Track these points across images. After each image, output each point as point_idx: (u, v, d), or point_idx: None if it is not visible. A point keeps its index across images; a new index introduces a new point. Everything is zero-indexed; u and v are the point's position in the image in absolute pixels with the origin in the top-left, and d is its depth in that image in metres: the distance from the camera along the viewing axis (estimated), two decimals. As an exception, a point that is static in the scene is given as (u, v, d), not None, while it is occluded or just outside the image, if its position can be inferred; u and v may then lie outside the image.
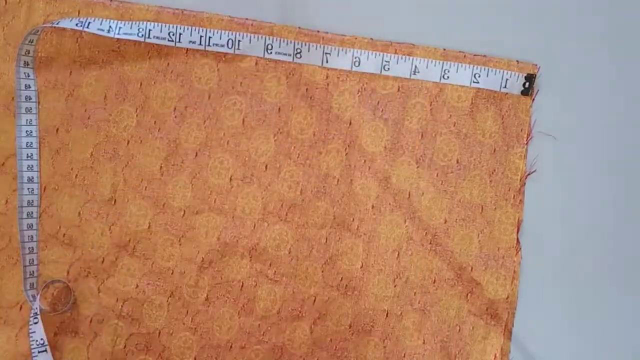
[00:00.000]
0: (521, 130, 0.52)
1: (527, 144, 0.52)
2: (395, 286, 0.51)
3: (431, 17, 0.53)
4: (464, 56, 0.52)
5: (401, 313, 0.51)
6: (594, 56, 0.53)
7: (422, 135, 0.51)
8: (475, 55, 0.52)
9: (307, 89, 0.51)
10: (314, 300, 0.51)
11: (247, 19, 0.51)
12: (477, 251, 0.51)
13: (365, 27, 0.52)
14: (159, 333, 0.51)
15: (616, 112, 0.53)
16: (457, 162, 0.51)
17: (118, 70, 0.51)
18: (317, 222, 0.51)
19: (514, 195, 0.51)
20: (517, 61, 0.52)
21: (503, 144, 0.51)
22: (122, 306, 0.51)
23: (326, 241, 0.51)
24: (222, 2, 0.52)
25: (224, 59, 0.51)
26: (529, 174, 0.52)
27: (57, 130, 0.51)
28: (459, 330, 0.51)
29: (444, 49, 0.51)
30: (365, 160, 0.51)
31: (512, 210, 0.52)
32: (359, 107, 0.51)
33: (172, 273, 0.51)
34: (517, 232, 0.52)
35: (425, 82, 0.51)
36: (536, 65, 0.52)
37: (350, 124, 0.51)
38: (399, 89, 0.51)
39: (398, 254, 0.51)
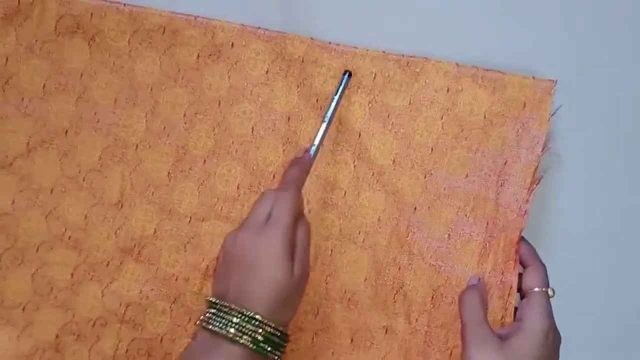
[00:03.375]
0: (536, 144, 0.50)
1: (540, 156, 0.51)
2: (394, 302, 0.51)
3: (442, 26, 0.53)
4: (477, 70, 0.51)
5: (398, 331, 0.51)
6: (608, 70, 0.53)
7: (432, 149, 0.51)
8: (488, 70, 0.51)
9: (317, 100, 0.51)
10: (317, 312, 0.51)
11: (259, 27, 0.51)
12: (476, 266, 0.51)
13: (368, 34, 0.52)
14: (161, 339, 0.51)
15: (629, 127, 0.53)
16: (467, 176, 0.51)
17: (129, 75, 0.51)
18: (323, 233, 0.51)
19: (520, 206, 0.50)
20: (532, 77, 0.50)
21: (516, 157, 0.50)
22: (125, 311, 0.51)
23: (331, 253, 0.51)
24: (226, 8, 0.52)
25: (234, 66, 0.51)
26: (538, 183, 0.51)
27: (66, 132, 0.51)
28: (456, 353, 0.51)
29: (457, 64, 0.51)
30: (373, 173, 0.51)
31: (516, 220, 0.50)
32: (369, 120, 0.51)
33: (176, 279, 0.51)
34: (518, 246, 0.50)
35: (437, 95, 0.51)
36: (552, 81, 0.50)
37: (359, 135, 0.51)
38: (410, 102, 0.51)
39: (399, 268, 0.51)
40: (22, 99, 0.51)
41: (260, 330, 0.39)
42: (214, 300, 0.41)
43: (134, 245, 0.51)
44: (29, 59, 0.51)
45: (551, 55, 0.53)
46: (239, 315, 0.39)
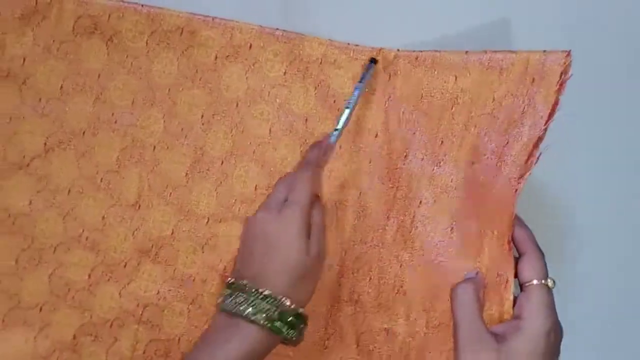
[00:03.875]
0: (539, 119, 0.46)
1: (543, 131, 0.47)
2: (394, 302, 0.51)
3: (444, 20, 0.53)
4: (485, 53, 0.48)
5: (399, 333, 0.50)
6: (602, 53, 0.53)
7: (442, 141, 0.50)
8: (496, 51, 0.48)
9: (334, 101, 0.51)
10: (329, 316, 0.51)
11: (277, 29, 0.51)
12: (473, 258, 0.48)
13: (367, 31, 0.52)
14: (179, 340, 0.51)
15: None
16: (473, 164, 0.49)
17: (146, 75, 0.51)
18: (339, 235, 0.51)
19: (513, 186, 0.47)
20: (543, 51, 0.47)
21: (518, 136, 0.47)
22: (142, 312, 0.51)
23: (345, 254, 0.51)
24: (227, 6, 0.52)
25: (252, 67, 0.51)
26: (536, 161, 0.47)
27: (84, 133, 0.51)
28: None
29: (466, 52, 0.49)
30: (388, 171, 0.51)
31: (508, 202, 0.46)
32: (387, 121, 0.51)
33: (193, 280, 0.51)
34: (511, 232, 0.45)
35: (447, 85, 0.49)
36: (565, 51, 0.46)
37: (376, 136, 0.51)
38: (421, 97, 0.50)
39: (401, 265, 0.51)
40: (40, 99, 0.51)
41: (275, 309, 0.39)
42: (231, 281, 0.41)
43: (152, 246, 0.51)
44: (47, 60, 0.51)
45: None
46: (254, 294, 0.40)
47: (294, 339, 0.41)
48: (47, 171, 0.51)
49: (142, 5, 0.51)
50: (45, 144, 0.51)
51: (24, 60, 0.51)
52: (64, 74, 0.51)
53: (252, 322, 0.39)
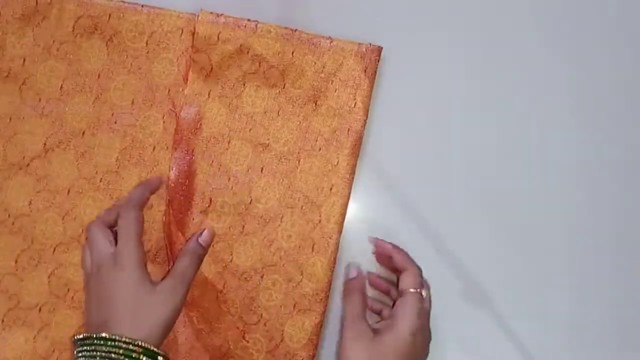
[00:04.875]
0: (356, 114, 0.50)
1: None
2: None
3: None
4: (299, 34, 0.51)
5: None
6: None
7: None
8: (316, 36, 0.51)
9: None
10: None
11: (295, 30, 0.51)
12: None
13: (361, 28, 0.52)
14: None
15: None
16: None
17: (146, 76, 0.51)
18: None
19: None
20: (359, 43, 0.51)
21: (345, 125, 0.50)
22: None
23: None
24: (222, 2, 0.52)
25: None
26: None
27: (83, 133, 0.51)
28: None
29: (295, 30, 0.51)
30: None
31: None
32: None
33: None
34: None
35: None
36: (379, 47, 0.51)
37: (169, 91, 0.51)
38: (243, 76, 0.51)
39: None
40: (40, 99, 0.51)
41: (118, 349, 0.39)
42: (77, 338, 0.41)
43: (151, 247, 0.51)
44: (46, 60, 0.51)
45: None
46: (90, 341, 0.40)
47: None
48: (46, 171, 0.51)
49: (142, 6, 0.51)
50: (45, 144, 0.51)
51: (24, 60, 0.51)
52: (64, 74, 0.51)
53: None
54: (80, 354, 0.41)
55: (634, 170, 0.54)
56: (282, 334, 0.50)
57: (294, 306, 0.50)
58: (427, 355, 0.47)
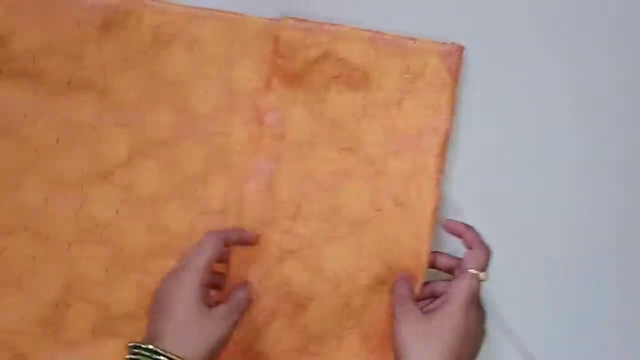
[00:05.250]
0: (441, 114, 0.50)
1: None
2: None
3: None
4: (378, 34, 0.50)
5: None
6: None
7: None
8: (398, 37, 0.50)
9: None
10: None
11: (377, 31, 0.51)
12: None
13: (364, 18, 0.51)
14: None
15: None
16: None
17: (227, 82, 0.51)
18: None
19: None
20: (442, 43, 0.50)
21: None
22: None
23: None
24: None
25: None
26: None
27: (167, 142, 0.51)
28: None
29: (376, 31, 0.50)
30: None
31: None
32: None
33: None
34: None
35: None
36: (461, 45, 0.51)
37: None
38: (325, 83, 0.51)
39: None
40: (120, 109, 0.51)
41: None
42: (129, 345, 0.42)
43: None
44: (126, 69, 0.51)
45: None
46: (138, 350, 0.41)
47: None
48: (131, 181, 0.51)
49: (222, 12, 0.51)
50: (128, 153, 0.51)
51: (104, 70, 0.51)
52: (143, 84, 0.51)
53: None
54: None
55: (634, 170, 0.53)
56: (383, 335, 0.50)
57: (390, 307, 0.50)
58: (484, 334, 0.47)
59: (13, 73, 0.50)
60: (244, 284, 0.48)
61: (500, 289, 0.52)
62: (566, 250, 0.53)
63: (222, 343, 0.44)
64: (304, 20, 0.50)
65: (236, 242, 0.49)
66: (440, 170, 0.51)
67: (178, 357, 0.40)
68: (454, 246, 0.50)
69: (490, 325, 0.49)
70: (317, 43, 0.50)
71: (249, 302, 0.48)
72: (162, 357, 0.40)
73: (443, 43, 0.50)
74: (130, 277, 0.51)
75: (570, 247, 0.53)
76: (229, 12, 0.51)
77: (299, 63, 0.50)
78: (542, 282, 0.53)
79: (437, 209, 0.50)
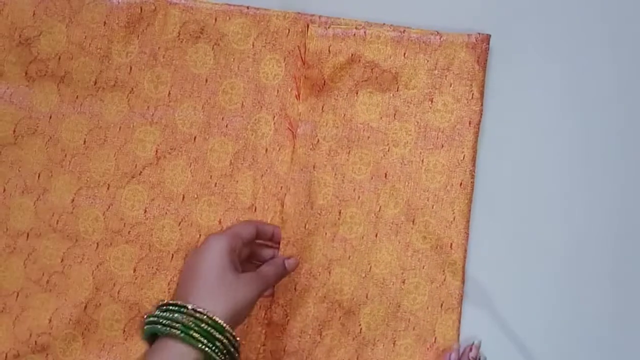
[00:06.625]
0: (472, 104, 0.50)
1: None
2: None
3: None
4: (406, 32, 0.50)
5: None
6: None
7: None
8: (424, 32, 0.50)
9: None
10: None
11: (403, 30, 0.50)
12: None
13: (365, 9, 0.51)
14: None
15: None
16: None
17: (254, 78, 0.51)
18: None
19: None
20: (468, 34, 0.50)
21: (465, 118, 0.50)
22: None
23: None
24: None
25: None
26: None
27: (195, 138, 0.51)
28: None
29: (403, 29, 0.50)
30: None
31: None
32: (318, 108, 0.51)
33: None
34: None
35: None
36: (488, 35, 0.50)
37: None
38: (356, 83, 0.51)
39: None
40: (148, 107, 0.51)
41: (184, 318, 0.39)
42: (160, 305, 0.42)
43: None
44: (153, 67, 0.51)
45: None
46: (165, 308, 0.40)
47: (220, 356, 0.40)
48: (159, 179, 0.51)
49: (248, 7, 0.51)
50: (156, 151, 0.51)
51: (131, 68, 0.51)
52: (171, 81, 0.51)
53: (169, 335, 0.39)
54: (150, 317, 0.41)
55: (634, 170, 0.53)
56: (435, 334, 0.50)
57: (441, 305, 0.50)
58: None
59: (39, 74, 0.50)
60: (271, 263, 0.47)
61: (500, 289, 0.52)
62: (566, 250, 0.53)
63: (247, 307, 0.43)
64: (330, 26, 0.50)
65: (268, 236, 0.48)
66: (474, 161, 0.50)
67: (203, 311, 0.40)
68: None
69: (490, 324, 0.50)
70: (344, 48, 0.50)
71: (278, 278, 0.46)
72: (188, 311, 0.40)
73: (469, 35, 0.50)
74: (159, 275, 0.50)
75: (570, 247, 0.53)
76: (254, 7, 0.51)
77: (328, 70, 0.50)
78: (542, 282, 0.52)
79: (471, 202, 0.50)
